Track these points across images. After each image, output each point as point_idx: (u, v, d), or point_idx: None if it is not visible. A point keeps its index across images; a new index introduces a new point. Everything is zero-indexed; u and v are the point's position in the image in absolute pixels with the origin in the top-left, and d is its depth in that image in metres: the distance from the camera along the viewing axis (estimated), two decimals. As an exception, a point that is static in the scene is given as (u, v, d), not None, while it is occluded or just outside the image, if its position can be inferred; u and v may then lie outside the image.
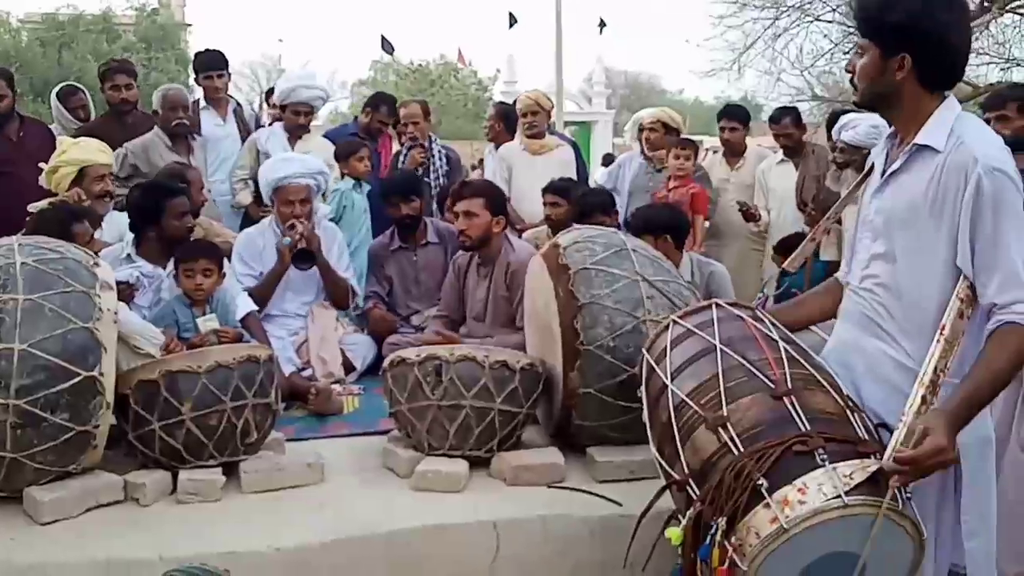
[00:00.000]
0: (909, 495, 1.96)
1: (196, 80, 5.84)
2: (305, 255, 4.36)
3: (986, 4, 8.75)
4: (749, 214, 5.51)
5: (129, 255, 3.91)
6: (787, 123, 5.73)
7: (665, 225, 4.00)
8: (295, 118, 5.46)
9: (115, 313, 2.84)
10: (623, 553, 2.51)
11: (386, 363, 3.17)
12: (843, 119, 4.95)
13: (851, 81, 2.26)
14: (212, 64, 5.70)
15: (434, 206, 5.57)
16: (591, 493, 2.90)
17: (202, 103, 5.70)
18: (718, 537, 1.95)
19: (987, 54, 9.83)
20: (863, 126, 4.69)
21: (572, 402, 3.02)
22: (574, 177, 5.44)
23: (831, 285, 2.51)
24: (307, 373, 4.20)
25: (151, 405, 2.87)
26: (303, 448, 3.30)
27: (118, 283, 3.61)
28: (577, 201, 4.43)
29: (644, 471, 2.80)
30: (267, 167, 4.62)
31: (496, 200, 4.19)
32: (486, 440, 3.02)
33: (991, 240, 2.02)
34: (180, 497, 2.85)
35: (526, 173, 5.54)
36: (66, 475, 2.76)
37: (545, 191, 4.72)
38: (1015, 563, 2.58)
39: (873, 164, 2.34)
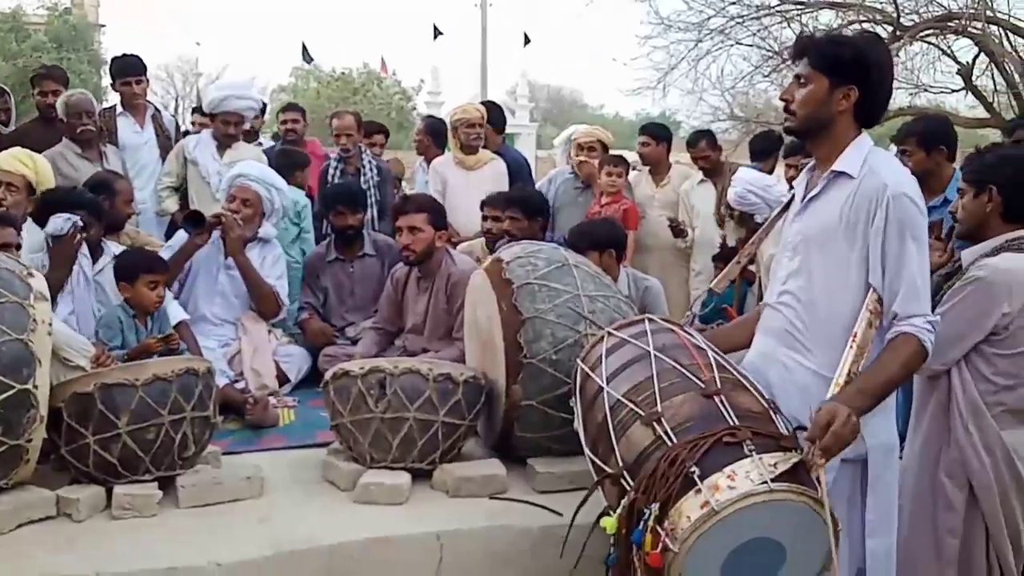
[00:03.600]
0: (827, 490, 2.07)
1: (113, 86, 5.72)
2: (195, 217, 4.32)
3: (898, 33, 9.17)
4: (678, 230, 5.66)
5: (46, 265, 3.80)
6: (703, 146, 5.93)
7: (609, 240, 4.10)
8: (224, 127, 5.39)
9: (50, 325, 2.78)
10: (563, 562, 2.57)
11: (328, 376, 3.16)
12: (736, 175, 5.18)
13: (786, 108, 2.40)
14: (130, 70, 5.58)
15: (368, 216, 5.56)
16: (532, 504, 2.94)
17: (119, 109, 5.59)
18: (651, 522, 2.03)
19: (897, 80, 10.29)
20: (736, 188, 4.93)
21: (515, 414, 3.07)
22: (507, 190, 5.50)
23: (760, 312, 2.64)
24: (240, 385, 4.14)
25: (86, 419, 2.81)
26: (240, 461, 3.26)
27: (55, 237, 3.65)
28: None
29: (583, 481, 2.83)
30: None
31: (439, 215, 4.23)
32: (429, 452, 3.04)
33: (897, 259, 2.23)
34: (115, 513, 2.79)
35: (461, 187, 5.57)
36: (-4, 490, 2.68)
37: (483, 205, 4.77)
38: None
39: (794, 194, 2.53)
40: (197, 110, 6.75)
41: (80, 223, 3.72)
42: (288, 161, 5.49)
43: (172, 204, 5.41)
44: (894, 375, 2.22)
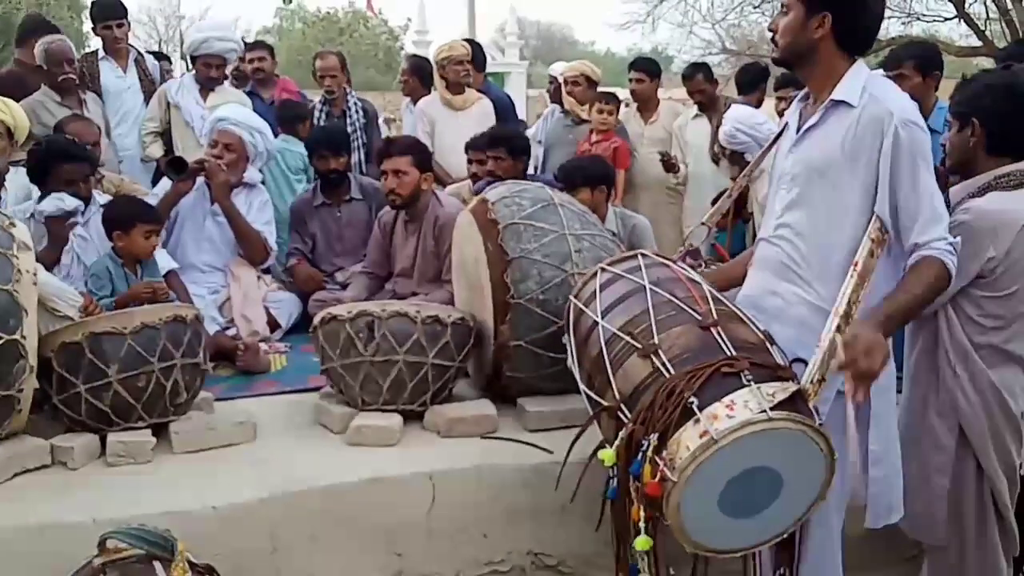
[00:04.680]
0: (822, 421, 2.10)
1: (94, 30, 5.63)
2: (177, 163, 4.29)
3: (889, -40, 9.04)
4: (670, 164, 5.60)
5: (33, 215, 3.79)
6: (699, 79, 5.85)
7: (601, 176, 4.06)
8: (206, 70, 5.32)
9: (34, 275, 2.76)
10: (555, 499, 2.61)
11: (316, 320, 3.16)
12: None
13: (773, 39, 2.38)
14: (110, 13, 5.48)
15: (355, 159, 5.51)
16: (523, 442, 2.97)
17: (101, 54, 5.50)
18: (649, 453, 2.03)
19: (889, 8, 10.18)
20: (725, 127, 4.80)
21: (503, 355, 3.08)
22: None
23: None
24: (231, 332, 4.15)
25: (75, 368, 2.82)
26: (233, 407, 3.29)
27: (52, 217, 3.68)
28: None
29: (573, 420, 2.87)
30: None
31: (423, 157, 4.19)
32: (419, 394, 3.06)
33: (911, 188, 2.21)
34: (110, 460, 2.80)
35: (448, 128, 5.51)
36: (-11, 441, 2.69)
37: (467, 148, 4.72)
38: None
39: (787, 124, 2.49)
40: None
41: (79, 212, 3.77)
42: (291, 113, 5.42)
43: (157, 150, 5.36)
44: (919, 297, 2.20)
